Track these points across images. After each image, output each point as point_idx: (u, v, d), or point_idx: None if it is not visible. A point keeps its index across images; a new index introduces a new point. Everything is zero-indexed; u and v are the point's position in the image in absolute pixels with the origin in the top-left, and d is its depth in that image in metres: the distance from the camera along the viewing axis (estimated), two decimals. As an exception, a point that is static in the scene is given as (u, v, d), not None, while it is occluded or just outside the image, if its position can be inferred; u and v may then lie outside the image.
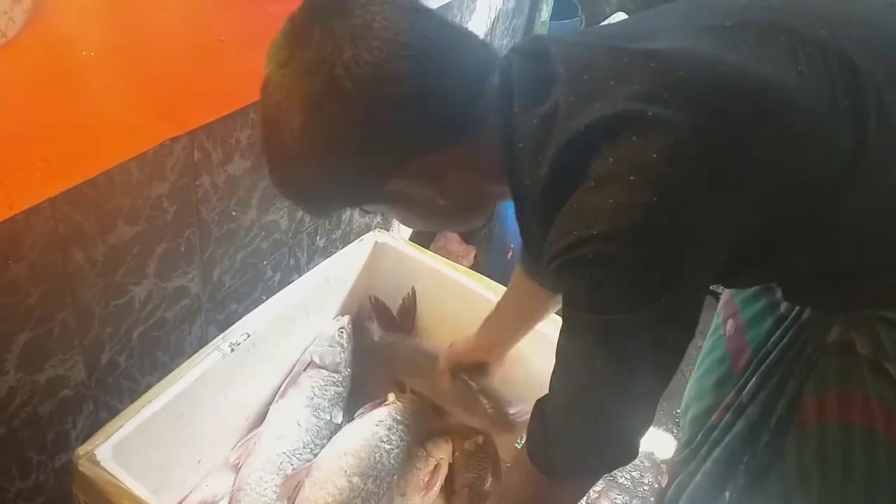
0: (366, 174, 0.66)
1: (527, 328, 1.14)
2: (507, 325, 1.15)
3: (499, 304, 1.15)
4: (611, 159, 0.59)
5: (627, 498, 1.70)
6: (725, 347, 0.95)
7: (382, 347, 1.46)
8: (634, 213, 0.58)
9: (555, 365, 0.71)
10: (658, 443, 1.80)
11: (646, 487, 1.72)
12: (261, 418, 1.29)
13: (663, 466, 1.76)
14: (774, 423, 0.82)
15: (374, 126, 0.62)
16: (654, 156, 0.57)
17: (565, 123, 0.61)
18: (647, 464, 1.76)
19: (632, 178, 0.58)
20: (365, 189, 0.69)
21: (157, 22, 0.95)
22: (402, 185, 0.68)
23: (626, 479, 1.73)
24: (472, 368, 1.22)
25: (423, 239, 2.09)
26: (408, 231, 2.03)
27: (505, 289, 1.35)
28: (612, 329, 0.63)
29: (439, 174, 0.67)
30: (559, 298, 0.71)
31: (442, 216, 0.74)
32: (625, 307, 0.62)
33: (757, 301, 0.89)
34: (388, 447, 1.24)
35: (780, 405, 0.81)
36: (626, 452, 0.72)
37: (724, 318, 0.98)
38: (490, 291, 1.34)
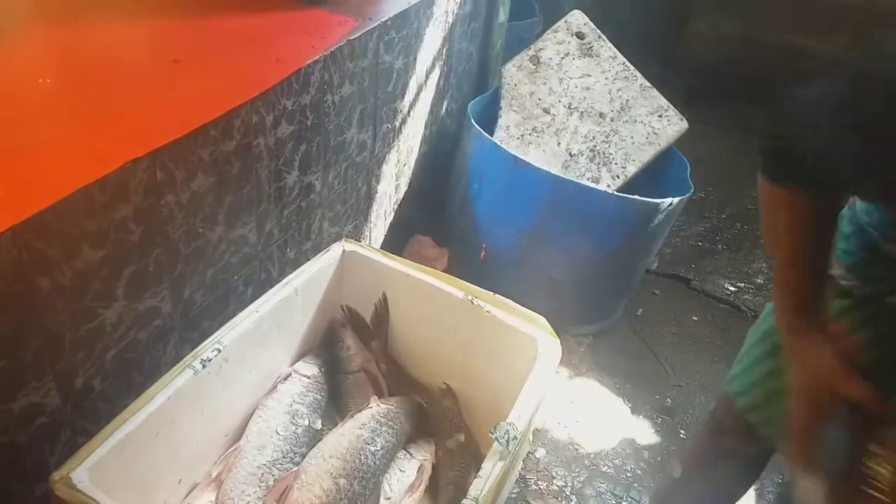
0: None
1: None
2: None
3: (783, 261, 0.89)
4: None
5: (611, 485, 1.72)
6: None
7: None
8: None
9: None
10: (639, 430, 1.81)
11: (628, 474, 1.75)
12: (239, 433, 1.30)
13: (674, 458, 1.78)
14: None
15: None
16: None
17: None
18: (628, 451, 1.79)
19: None
20: None
21: (112, 46, 0.96)
22: None
23: (609, 466, 1.76)
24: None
25: (394, 244, 2.11)
26: (379, 238, 2.04)
27: (476, 287, 1.38)
28: None
29: None
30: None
31: None
32: None
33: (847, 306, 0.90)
34: (372, 449, 1.27)
35: None
36: None
37: None
38: (461, 291, 1.36)
